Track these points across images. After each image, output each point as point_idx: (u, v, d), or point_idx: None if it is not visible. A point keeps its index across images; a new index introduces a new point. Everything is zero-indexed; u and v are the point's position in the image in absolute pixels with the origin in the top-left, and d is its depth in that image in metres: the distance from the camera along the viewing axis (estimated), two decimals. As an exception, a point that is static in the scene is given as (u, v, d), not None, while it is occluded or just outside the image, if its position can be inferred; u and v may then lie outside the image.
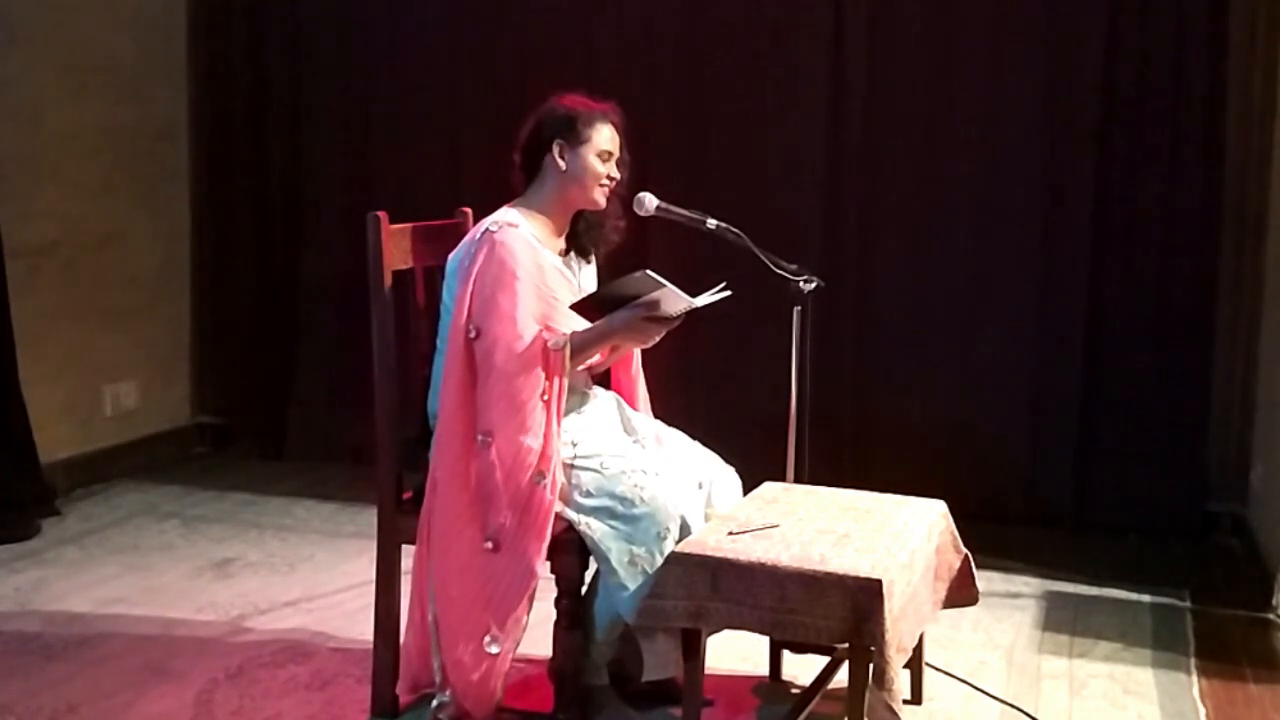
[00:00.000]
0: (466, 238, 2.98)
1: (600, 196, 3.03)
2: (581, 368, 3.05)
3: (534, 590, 2.84)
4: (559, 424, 2.90)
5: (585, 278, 3.14)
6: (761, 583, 2.65)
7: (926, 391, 4.68)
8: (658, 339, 3.00)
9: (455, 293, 2.92)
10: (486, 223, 2.96)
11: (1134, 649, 3.57)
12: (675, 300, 2.88)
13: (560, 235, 3.08)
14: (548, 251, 3.00)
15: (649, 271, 2.82)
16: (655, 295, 2.86)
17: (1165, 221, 4.45)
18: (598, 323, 2.94)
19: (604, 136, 2.99)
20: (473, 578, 2.84)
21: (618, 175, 3.03)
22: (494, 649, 2.85)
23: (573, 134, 2.98)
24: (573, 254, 3.11)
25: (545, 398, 2.86)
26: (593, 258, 3.18)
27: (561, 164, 2.99)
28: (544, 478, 2.83)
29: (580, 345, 2.92)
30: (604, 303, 2.93)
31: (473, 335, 2.87)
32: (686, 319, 2.98)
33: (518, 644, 2.88)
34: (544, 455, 2.84)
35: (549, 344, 2.87)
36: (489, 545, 2.84)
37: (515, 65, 4.91)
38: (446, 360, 2.91)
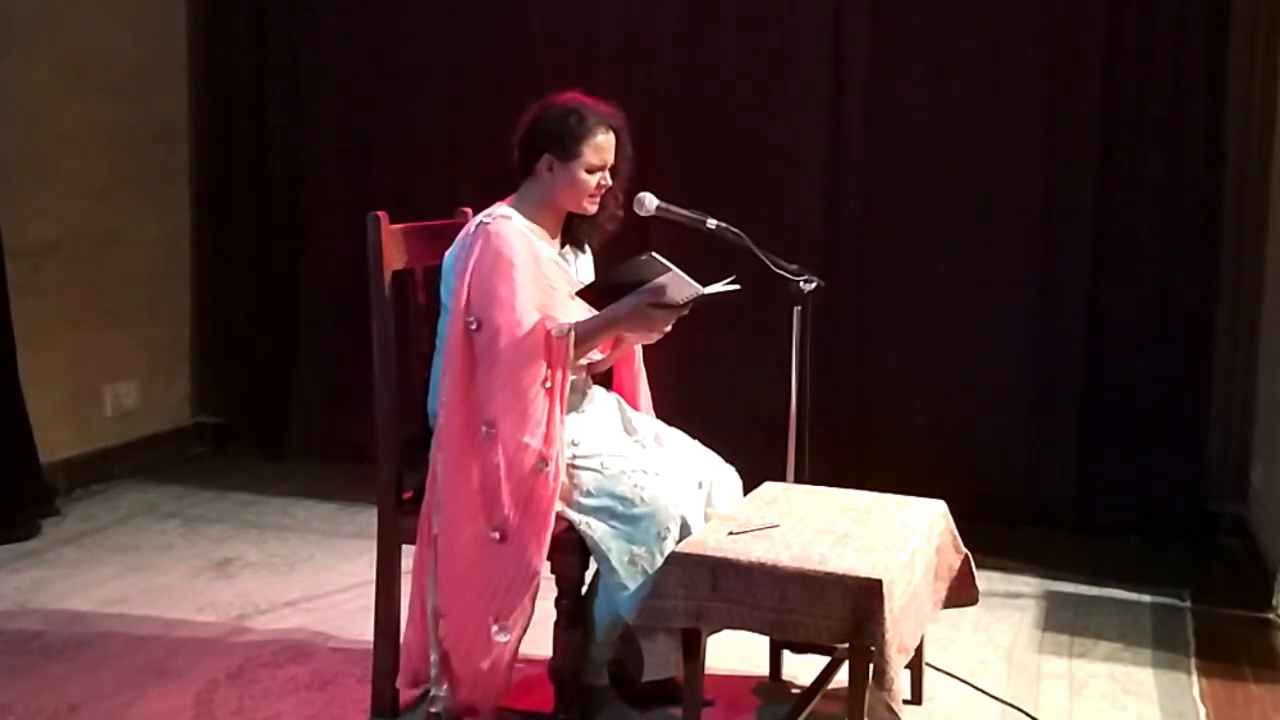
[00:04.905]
0: (461, 233, 2.99)
1: (589, 206, 3.02)
2: (584, 361, 3.05)
3: (537, 586, 2.84)
4: (563, 414, 2.89)
5: (582, 267, 3.14)
6: (761, 583, 2.65)
7: (926, 391, 4.68)
8: (666, 329, 2.99)
9: (453, 287, 2.92)
10: (480, 216, 2.97)
11: (1134, 649, 3.58)
12: (682, 286, 2.87)
13: (555, 233, 3.08)
14: (543, 244, 3.00)
15: (654, 254, 2.81)
16: (661, 280, 2.85)
17: (1165, 221, 4.45)
18: (602, 311, 2.94)
19: (595, 149, 2.96)
20: (480, 569, 2.84)
21: (607, 184, 3.01)
22: (502, 638, 2.85)
23: (563, 149, 2.95)
24: (568, 246, 3.12)
25: (548, 386, 2.86)
26: (587, 248, 3.18)
27: (550, 176, 2.99)
28: (547, 465, 2.83)
29: (584, 334, 2.92)
30: (608, 289, 2.92)
31: (473, 326, 2.87)
32: (689, 315, 2.98)
33: (524, 632, 2.88)
34: (547, 443, 2.84)
35: (553, 331, 2.87)
36: (495, 536, 2.84)
37: (515, 65, 4.90)
38: (445, 354, 2.91)
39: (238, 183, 5.43)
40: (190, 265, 5.50)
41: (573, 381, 2.97)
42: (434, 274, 3.09)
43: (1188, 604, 3.92)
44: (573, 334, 2.89)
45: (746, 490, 3.17)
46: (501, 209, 2.98)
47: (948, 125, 4.61)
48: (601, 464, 2.94)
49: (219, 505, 4.77)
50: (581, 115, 2.97)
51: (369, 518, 3.24)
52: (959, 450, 4.60)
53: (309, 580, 4.00)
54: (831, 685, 3.08)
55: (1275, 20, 4.37)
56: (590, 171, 2.97)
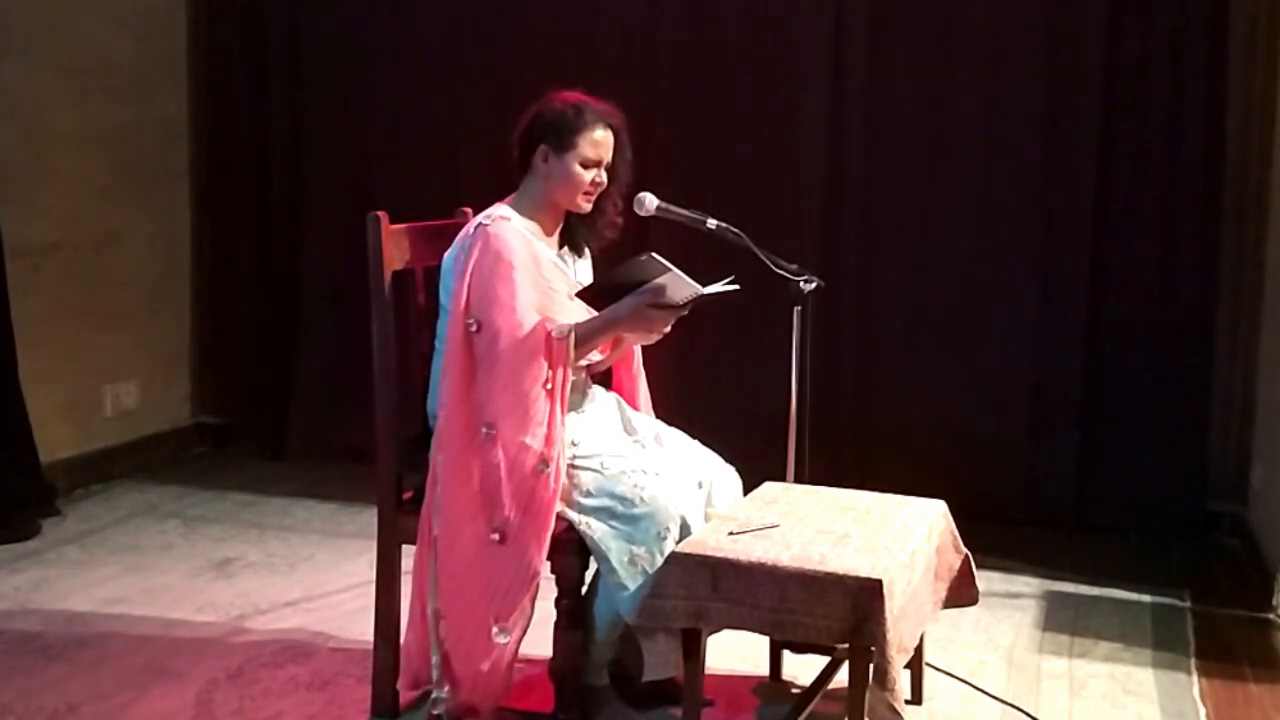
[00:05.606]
0: (460, 234, 2.99)
1: (584, 203, 3.02)
2: (584, 362, 3.05)
3: (537, 587, 2.85)
4: (564, 415, 2.90)
5: (581, 271, 3.14)
6: (761, 583, 2.65)
7: (927, 391, 4.68)
8: (666, 329, 2.99)
9: (452, 289, 2.92)
10: (479, 218, 2.97)
11: (1134, 649, 3.58)
12: (681, 286, 2.87)
13: (553, 232, 3.09)
14: (542, 244, 3.00)
15: (654, 254, 2.81)
16: (661, 280, 2.85)
17: (1166, 221, 4.45)
18: (602, 311, 2.94)
19: (591, 143, 2.96)
20: (479, 570, 2.84)
21: (603, 182, 3.02)
22: (502, 639, 2.85)
23: (558, 140, 2.96)
24: (566, 249, 3.12)
25: (549, 387, 2.86)
26: (586, 252, 3.18)
27: (545, 168, 2.99)
28: (548, 466, 2.83)
29: (585, 335, 2.92)
30: (608, 290, 2.92)
31: (473, 328, 2.87)
32: (689, 315, 2.98)
33: (524, 633, 2.88)
34: (548, 444, 2.84)
35: (553, 332, 2.87)
36: (495, 537, 2.84)
37: (515, 65, 4.90)
38: (445, 356, 2.91)
39: (238, 182, 5.43)
40: (190, 265, 5.51)
41: (573, 381, 2.97)
42: (434, 274, 3.09)
43: (1188, 604, 3.92)
44: (573, 335, 2.89)
45: (746, 490, 3.17)
46: (500, 210, 2.98)
47: (948, 125, 4.61)
48: (601, 464, 2.94)
49: (219, 505, 4.77)
50: (579, 110, 2.98)
51: (369, 518, 3.25)
52: (959, 450, 4.60)
53: (309, 580, 4.00)
54: (831, 685, 3.08)
55: (1275, 20, 4.37)
56: (585, 166, 2.97)
